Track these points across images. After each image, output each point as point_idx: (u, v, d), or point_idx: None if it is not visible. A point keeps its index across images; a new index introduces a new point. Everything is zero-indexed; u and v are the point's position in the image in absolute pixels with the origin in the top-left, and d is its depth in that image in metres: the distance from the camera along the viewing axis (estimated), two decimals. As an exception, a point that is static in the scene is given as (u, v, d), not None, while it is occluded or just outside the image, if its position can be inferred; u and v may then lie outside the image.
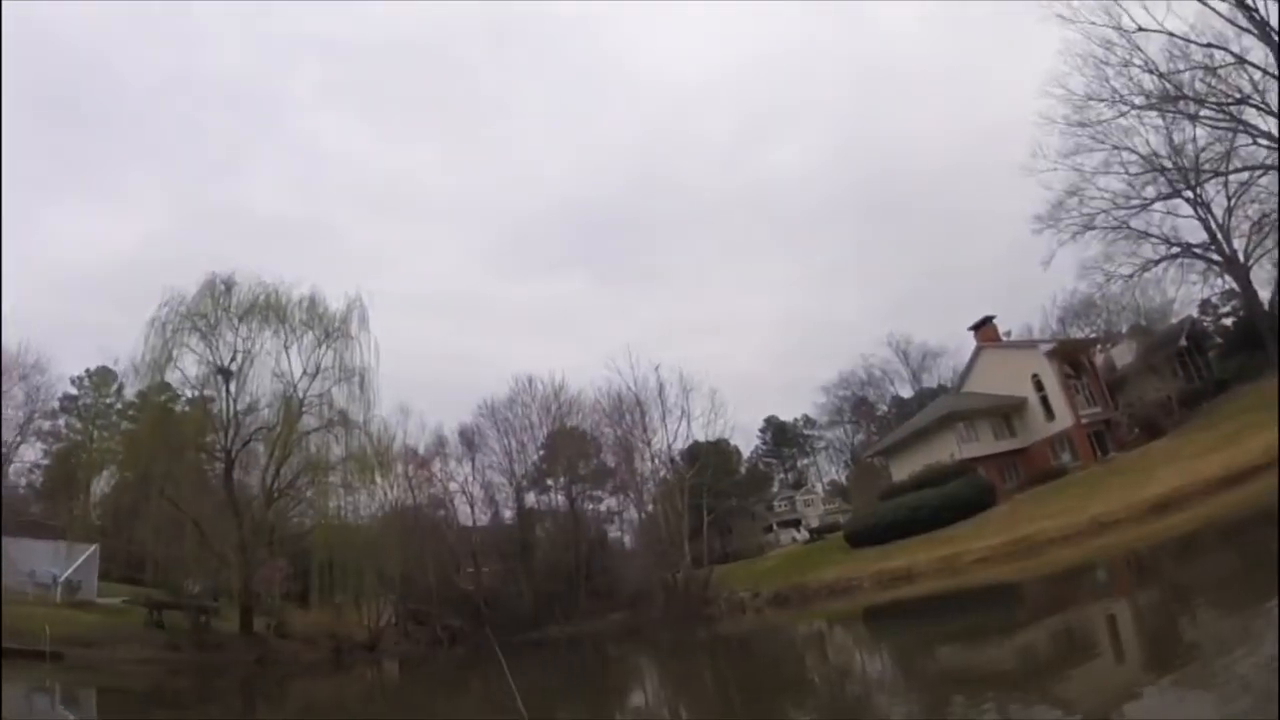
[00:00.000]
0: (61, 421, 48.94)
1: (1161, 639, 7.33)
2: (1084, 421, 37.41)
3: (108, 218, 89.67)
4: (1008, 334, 46.07)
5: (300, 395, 32.93)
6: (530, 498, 48.82)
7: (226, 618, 29.73)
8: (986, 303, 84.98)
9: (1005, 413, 40.71)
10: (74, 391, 48.99)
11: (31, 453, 48.42)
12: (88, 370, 46.69)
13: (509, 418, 47.84)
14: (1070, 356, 39.42)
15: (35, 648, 20.46)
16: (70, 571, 28.94)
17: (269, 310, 32.15)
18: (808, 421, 74.04)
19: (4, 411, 43.15)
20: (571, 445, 47.36)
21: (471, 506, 47.35)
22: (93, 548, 31.03)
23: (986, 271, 75.73)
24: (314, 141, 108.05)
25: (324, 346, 33.36)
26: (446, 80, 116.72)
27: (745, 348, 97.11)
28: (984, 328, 44.04)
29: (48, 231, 76.27)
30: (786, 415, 75.16)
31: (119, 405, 40.87)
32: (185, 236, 78.27)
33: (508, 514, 48.06)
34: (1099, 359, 41.38)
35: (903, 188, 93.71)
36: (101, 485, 40.12)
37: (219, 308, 31.53)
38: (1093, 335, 43.14)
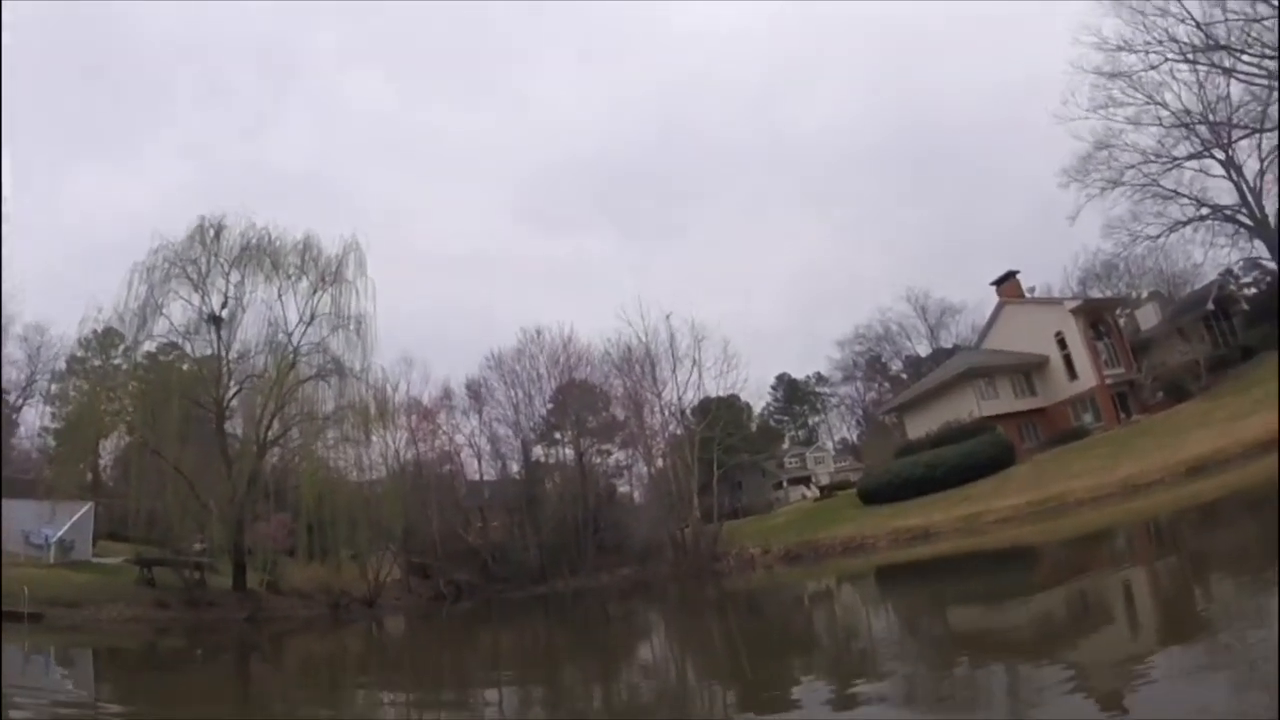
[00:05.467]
0: (69, 385, 47.13)
1: (1174, 611, 6.73)
2: (1108, 382, 36.51)
3: (125, 180, 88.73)
4: (1031, 290, 45.09)
5: (294, 343, 31.99)
6: (538, 451, 48.51)
7: (222, 573, 29.25)
8: (1009, 260, 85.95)
9: (1026, 370, 40.11)
10: (80, 354, 47.08)
11: (35, 415, 48.22)
12: (94, 332, 45.41)
13: (516, 370, 47.46)
14: (1095, 315, 38.52)
15: (14, 609, 20.21)
16: (63, 531, 28.61)
17: (261, 254, 31.07)
18: (820, 379, 73.78)
19: (4, 374, 42.77)
20: (580, 398, 46.68)
21: (478, 460, 47.54)
22: (86, 507, 30.62)
23: (1010, 231, 75.52)
24: (334, 99, 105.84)
25: (320, 292, 32.28)
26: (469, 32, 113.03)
27: (761, 303, 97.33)
28: (1007, 283, 43.35)
29: (64, 197, 75.00)
30: (800, 372, 75.13)
31: (125, 365, 40.18)
32: (204, 199, 76.87)
33: (515, 468, 47.73)
34: (1123, 320, 40.29)
35: (929, 143, 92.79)
36: (109, 446, 39.30)
37: (209, 252, 30.45)
38: (1115, 296, 42.04)
